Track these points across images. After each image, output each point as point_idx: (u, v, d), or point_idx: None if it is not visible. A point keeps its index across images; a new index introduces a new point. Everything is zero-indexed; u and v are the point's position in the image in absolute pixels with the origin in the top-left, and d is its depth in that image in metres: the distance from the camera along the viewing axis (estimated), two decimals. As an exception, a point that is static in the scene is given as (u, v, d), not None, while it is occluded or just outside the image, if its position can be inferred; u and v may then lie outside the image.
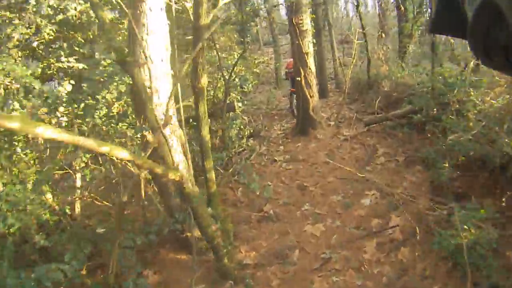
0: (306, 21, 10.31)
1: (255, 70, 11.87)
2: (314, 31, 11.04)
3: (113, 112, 6.36)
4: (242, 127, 9.78)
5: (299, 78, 10.47)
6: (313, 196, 7.70)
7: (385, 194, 7.28)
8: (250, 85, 10.96)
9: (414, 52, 14.54)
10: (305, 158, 9.41)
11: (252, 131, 10.25)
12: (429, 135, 8.23)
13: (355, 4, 14.39)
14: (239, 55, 8.91)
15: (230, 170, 8.37)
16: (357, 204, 7.19)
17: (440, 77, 8.40)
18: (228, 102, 9.04)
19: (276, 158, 9.65)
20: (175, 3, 5.28)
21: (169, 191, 5.85)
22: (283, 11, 33.90)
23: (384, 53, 13.17)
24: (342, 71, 15.21)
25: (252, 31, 19.09)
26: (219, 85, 9.63)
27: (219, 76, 9.41)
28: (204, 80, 4.23)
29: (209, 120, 4.57)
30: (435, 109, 8.19)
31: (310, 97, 10.57)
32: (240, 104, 10.00)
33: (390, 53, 14.22)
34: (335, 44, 17.74)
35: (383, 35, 13.49)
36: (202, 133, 4.43)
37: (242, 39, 13.46)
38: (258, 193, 7.35)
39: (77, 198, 6.94)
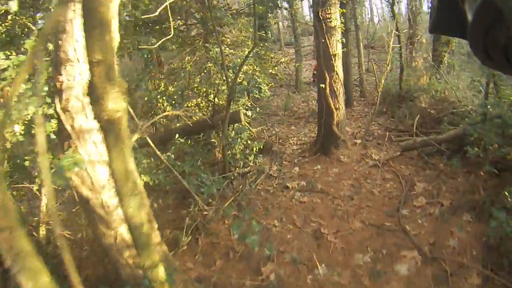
0: (335, 16, 7.86)
1: (271, 71, 9.34)
2: (343, 29, 8.51)
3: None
4: (249, 141, 7.40)
5: (322, 85, 8.03)
6: (332, 251, 5.34)
7: (428, 258, 5.02)
8: (266, 89, 8.52)
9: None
10: (324, 188, 7.03)
11: (262, 146, 7.79)
12: (482, 173, 6.23)
13: (390, 2, 11.65)
14: (249, 51, 6.38)
15: (228, 203, 6.03)
16: (391, 272, 4.90)
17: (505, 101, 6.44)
18: (232, 111, 6.71)
19: (288, 184, 7.27)
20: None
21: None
22: (306, 9, 31.57)
23: (423, 62, 10.61)
24: (374, 78, 12.60)
25: (272, 28, 16.31)
26: (223, 88, 7.19)
27: (223, 78, 7.01)
28: (116, 104, 1.84)
29: (140, 191, 2.24)
30: (496, 144, 6.17)
31: (335, 109, 8.14)
32: (249, 113, 7.62)
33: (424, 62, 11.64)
34: (361, 48, 15.26)
35: (424, 40, 10.89)
36: (128, 212, 2.09)
37: (260, 34, 11.07)
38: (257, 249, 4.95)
39: (42, 221, 5.34)
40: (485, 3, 0.51)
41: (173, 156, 6.02)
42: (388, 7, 16.21)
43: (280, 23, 23.31)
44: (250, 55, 7.12)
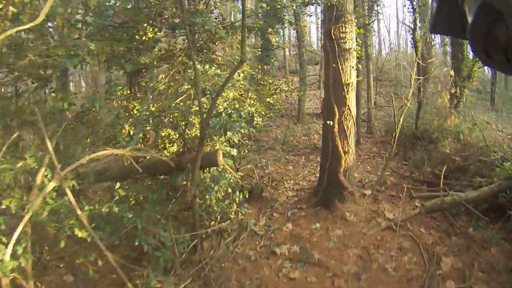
0: (351, 36, 6.13)
1: (268, 99, 7.52)
2: (359, 53, 6.73)
3: None
4: (230, 189, 5.48)
5: (330, 122, 6.19)
6: None
7: None
8: (260, 121, 6.72)
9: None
10: (322, 259, 5.19)
11: (248, 193, 5.90)
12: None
13: (411, 27, 9.79)
14: (232, 71, 4.53)
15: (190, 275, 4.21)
16: None
17: None
18: (209, 151, 4.87)
19: (276, 250, 5.38)
20: None
21: None
22: (313, 36, 29.89)
23: (450, 100, 8.78)
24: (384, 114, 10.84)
25: (277, 53, 14.41)
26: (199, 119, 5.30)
27: (195, 105, 5.18)
28: None
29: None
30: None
31: (344, 153, 6.29)
32: (234, 152, 5.76)
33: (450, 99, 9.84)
34: (371, 80, 13.52)
35: (452, 73, 9.07)
36: None
37: (256, 51, 9.31)
38: None
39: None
40: (484, 4, 0.53)
41: (116, 209, 4.13)
42: (408, 32, 14.78)
43: (287, 50, 21.53)
44: (238, 77, 5.35)
